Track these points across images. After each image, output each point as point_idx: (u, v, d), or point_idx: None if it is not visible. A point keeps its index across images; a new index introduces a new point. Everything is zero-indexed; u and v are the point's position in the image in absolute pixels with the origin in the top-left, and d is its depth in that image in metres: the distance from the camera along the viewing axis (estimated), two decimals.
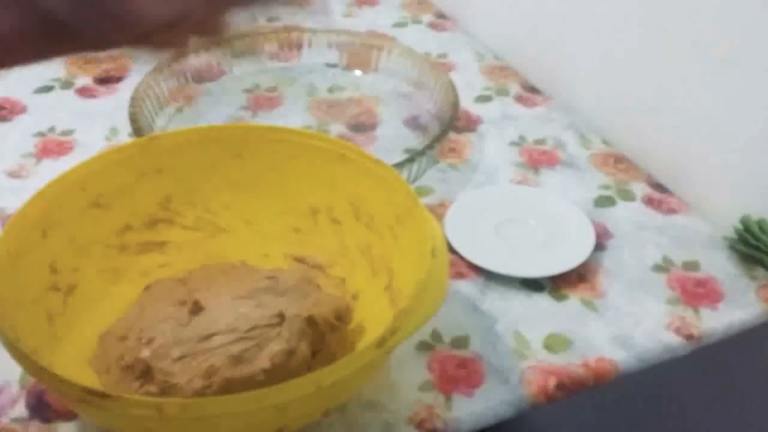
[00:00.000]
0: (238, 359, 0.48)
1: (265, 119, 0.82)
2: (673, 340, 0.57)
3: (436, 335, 0.57)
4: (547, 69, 0.89)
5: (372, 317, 0.54)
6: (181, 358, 0.49)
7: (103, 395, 0.39)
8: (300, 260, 0.60)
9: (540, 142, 0.79)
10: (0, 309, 0.43)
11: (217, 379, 0.47)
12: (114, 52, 0.95)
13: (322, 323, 0.52)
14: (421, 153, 0.68)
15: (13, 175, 0.72)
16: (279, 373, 0.48)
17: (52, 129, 0.79)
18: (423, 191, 0.71)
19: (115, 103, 0.83)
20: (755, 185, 0.65)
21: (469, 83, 0.89)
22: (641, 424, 0.90)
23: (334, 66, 0.91)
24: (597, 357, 0.55)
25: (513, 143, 0.79)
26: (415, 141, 0.79)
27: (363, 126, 0.82)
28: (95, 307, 0.54)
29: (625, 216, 0.69)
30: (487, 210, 0.68)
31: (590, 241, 0.64)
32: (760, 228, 0.63)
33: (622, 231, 0.68)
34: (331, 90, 0.88)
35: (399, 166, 0.66)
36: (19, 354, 0.41)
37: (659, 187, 0.73)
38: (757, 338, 0.61)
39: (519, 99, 0.87)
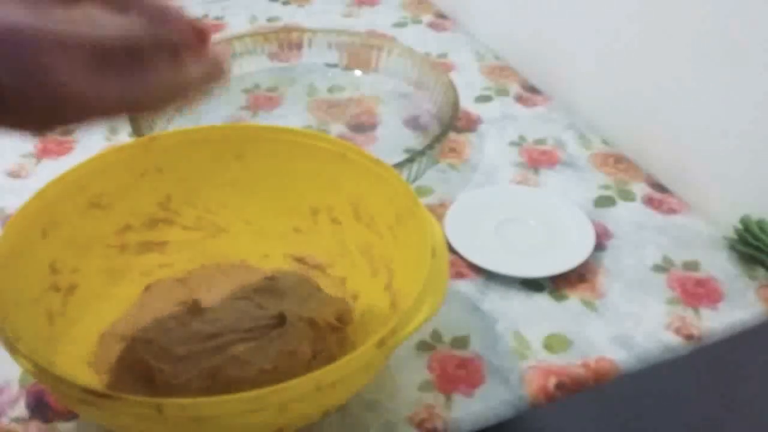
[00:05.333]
0: (238, 360, 0.48)
1: (265, 119, 0.82)
2: (673, 340, 0.57)
3: (436, 335, 0.57)
4: (547, 69, 0.89)
5: (372, 317, 0.54)
6: (181, 358, 0.49)
7: (103, 395, 0.39)
8: (300, 260, 0.60)
9: (540, 142, 0.79)
10: (0, 309, 0.43)
11: (218, 380, 0.47)
12: None
13: (323, 325, 0.52)
14: (421, 153, 0.68)
15: (13, 175, 0.72)
16: (280, 373, 0.48)
17: None
18: (423, 191, 0.71)
19: None
20: (755, 185, 0.65)
21: (469, 83, 0.89)
22: (641, 424, 0.90)
23: (334, 66, 0.91)
24: (597, 357, 0.55)
25: (513, 143, 0.79)
26: (415, 141, 0.79)
27: (363, 126, 0.82)
28: (95, 307, 0.54)
29: (625, 216, 0.69)
30: (487, 210, 0.68)
31: (590, 241, 0.64)
32: (760, 228, 0.63)
33: (622, 231, 0.68)
34: (331, 90, 0.88)
35: (399, 166, 0.66)
36: (19, 354, 0.41)
37: (659, 187, 0.73)
38: (757, 338, 0.61)
39: (519, 99, 0.87)
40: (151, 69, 0.34)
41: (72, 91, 0.32)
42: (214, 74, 0.38)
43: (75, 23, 0.31)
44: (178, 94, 0.36)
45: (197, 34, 0.37)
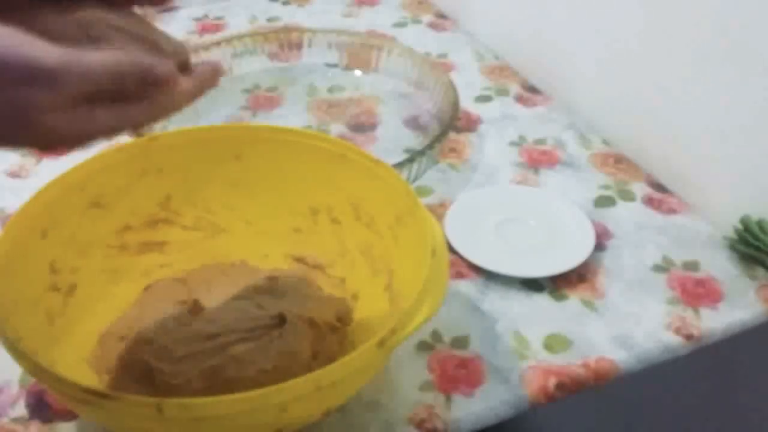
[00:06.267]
0: (238, 360, 0.48)
1: (265, 119, 0.82)
2: (673, 340, 0.57)
3: (436, 335, 0.57)
4: (547, 69, 0.89)
5: (372, 317, 0.54)
6: (181, 358, 0.49)
7: (103, 395, 0.39)
8: (300, 260, 0.60)
9: (540, 142, 0.79)
10: (0, 309, 0.43)
11: (218, 380, 0.47)
12: None
13: (323, 325, 0.52)
14: (421, 153, 0.68)
15: (13, 175, 0.72)
16: (280, 374, 0.48)
17: None
18: (423, 191, 0.71)
19: None
20: (755, 185, 0.65)
21: (469, 83, 0.89)
22: (641, 424, 0.90)
23: (334, 66, 0.91)
24: (597, 357, 0.55)
25: (513, 143, 0.79)
26: (415, 141, 0.79)
27: (363, 126, 0.82)
28: (95, 307, 0.54)
29: (625, 216, 0.69)
30: (487, 210, 0.68)
31: (590, 241, 0.64)
32: (760, 228, 0.63)
33: (622, 231, 0.68)
34: (331, 90, 0.88)
35: (399, 166, 0.66)
36: (19, 354, 0.41)
37: (659, 187, 0.73)
38: (757, 338, 0.61)
39: (519, 99, 0.87)
40: (138, 99, 0.33)
41: (53, 127, 0.30)
42: (208, 82, 0.38)
43: (64, 59, 0.30)
44: (168, 112, 0.35)
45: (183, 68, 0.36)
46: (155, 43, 0.37)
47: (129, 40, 0.36)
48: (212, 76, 0.38)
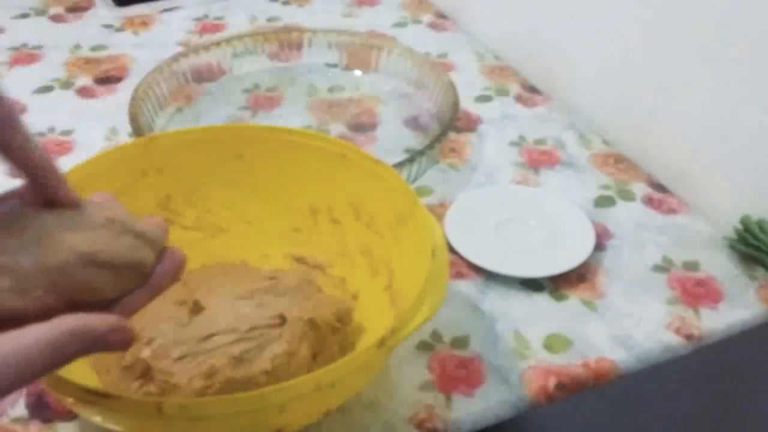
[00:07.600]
0: (238, 360, 0.48)
1: (265, 119, 0.82)
2: (673, 340, 0.57)
3: (436, 335, 0.57)
4: (547, 69, 0.89)
5: (372, 317, 0.54)
6: (181, 358, 0.49)
7: (103, 395, 0.39)
8: (300, 260, 0.60)
9: (540, 142, 0.79)
10: None
11: (218, 380, 0.47)
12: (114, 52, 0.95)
13: (323, 325, 0.52)
14: (421, 153, 0.68)
15: (14, 174, 0.72)
16: (279, 374, 0.48)
17: (52, 129, 0.79)
18: (423, 191, 0.71)
19: (115, 103, 0.83)
20: (755, 185, 0.65)
21: (469, 83, 0.89)
22: (641, 424, 0.90)
23: (334, 66, 0.91)
24: (597, 357, 0.55)
25: (513, 143, 0.79)
26: (415, 141, 0.79)
27: (363, 126, 0.82)
28: None
29: (625, 216, 0.69)
30: (487, 210, 0.68)
31: (590, 241, 0.64)
32: (760, 228, 0.63)
33: (622, 231, 0.68)
34: (331, 90, 0.88)
35: (399, 166, 0.66)
36: None
37: (659, 187, 0.73)
38: (757, 338, 0.61)
39: (519, 99, 0.87)
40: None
41: None
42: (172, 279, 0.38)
43: None
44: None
45: None
46: (141, 233, 0.36)
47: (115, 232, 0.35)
48: (175, 275, 0.38)
